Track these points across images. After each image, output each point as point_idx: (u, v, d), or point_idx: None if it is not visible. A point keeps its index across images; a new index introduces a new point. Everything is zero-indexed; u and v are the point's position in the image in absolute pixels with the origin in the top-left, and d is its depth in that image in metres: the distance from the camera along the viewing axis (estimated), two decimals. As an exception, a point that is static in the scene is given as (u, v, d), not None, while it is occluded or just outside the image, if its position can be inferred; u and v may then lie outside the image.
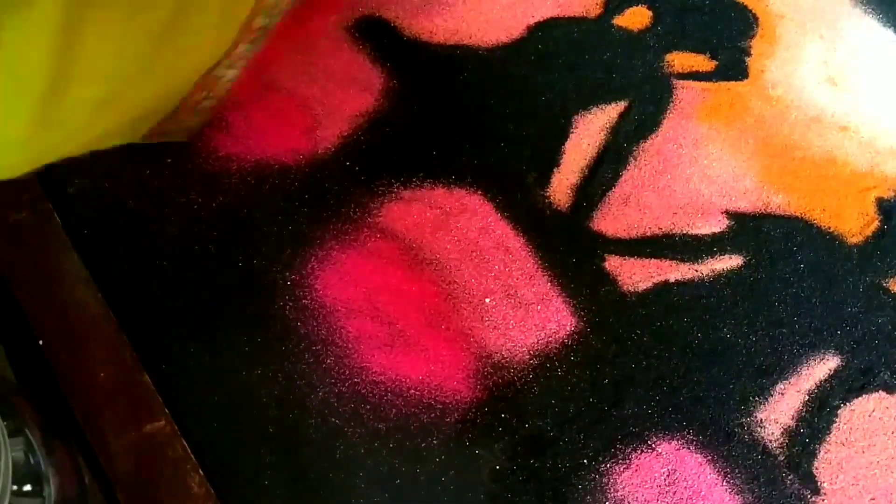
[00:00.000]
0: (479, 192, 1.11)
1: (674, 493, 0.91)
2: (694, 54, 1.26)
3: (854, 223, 1.12)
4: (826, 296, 1.05)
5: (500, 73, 1.22)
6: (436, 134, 1.16)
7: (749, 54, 1.26)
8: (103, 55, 0.65)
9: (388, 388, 0.95)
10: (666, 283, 1.05)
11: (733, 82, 1.24)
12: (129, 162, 1.10)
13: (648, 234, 1.09)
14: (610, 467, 0.92)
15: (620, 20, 1.29)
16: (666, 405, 0.96)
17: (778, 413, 0.96)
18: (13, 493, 0.70)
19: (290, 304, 1.00)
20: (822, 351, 1.01)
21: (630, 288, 1.04)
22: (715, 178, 1.14)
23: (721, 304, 1.03)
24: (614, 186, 1.12)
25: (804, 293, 1.05)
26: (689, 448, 0.94)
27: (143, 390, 0.92)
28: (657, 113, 1.19)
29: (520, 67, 1.23)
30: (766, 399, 0.97)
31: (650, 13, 1.30)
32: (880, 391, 0.99)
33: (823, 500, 0.92)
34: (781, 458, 0.94)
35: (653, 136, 1.17)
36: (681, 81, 1.23)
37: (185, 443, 0.89)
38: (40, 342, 0.93)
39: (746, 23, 1.30)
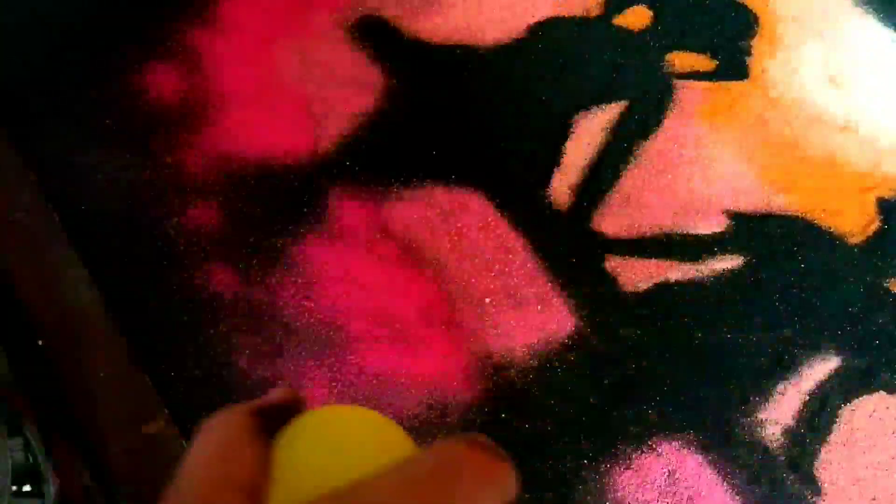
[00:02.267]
0: (479, 192, 1.11)
1: (674, 494, 0.90)
2: (694, 54, 1.26)
3: (855, 223, 1.11)
4: (827, 296, 1.05)
5: (500, 73, 1.22)
6: (436, 134, 1.16)
7: (750, 54, 1.26)
8: None
9: (389, 388, 0.95)
10: (666, 283, 1.05)
11: (734, 82, 1.23)
12: (130, 163, 1.10)
13: (649, 233, 1.09)
14: (610, 467, 0.92)
15: (621, 20, 1.28)
16: (666, 405, 0.96)
17: (778, 413, 0.96)
18: (13, 493, 0.70)
19: (291, 304, 1.00)
20: (823, 351, 1.01)
21: (630, 288, 1.04)
22: (715, 177, 1.14)
23: (721, 304, 1.03)
24: (614, 186, 1.12)
25: (805, 293, 1.05)
26: (689, 448, 0.93)
27: (143, 390, 0.92)
28: (657, 113, 1.19)
29: (520, 67, 1.23)
30: (767, 399, 0.97)
31: (650, 13, 1.29)
32: (881, 391, 0.98)
33: (824, 500, 0.91)
34: (782, 458, 0.93)
35: (653, 135, 1.17)
36: (681, 81, 1.23)
37: (184, 443, 0.89)
38: (40, 342, 0.93)
39: (747, 22, 1.29)
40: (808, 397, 0.97)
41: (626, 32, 1.27)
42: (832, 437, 0.95)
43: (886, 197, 1.14)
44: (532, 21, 1.27)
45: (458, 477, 0.23)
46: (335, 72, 1.21)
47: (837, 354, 1.00)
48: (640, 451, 0.93)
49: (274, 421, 0.27)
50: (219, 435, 0.25)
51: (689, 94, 1.21)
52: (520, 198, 1.11)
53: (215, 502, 0.23)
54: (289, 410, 0.28)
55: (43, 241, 1.02)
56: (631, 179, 1.13)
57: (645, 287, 1.04)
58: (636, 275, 1.05)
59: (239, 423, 0.26)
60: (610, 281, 1.04)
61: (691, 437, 0.94)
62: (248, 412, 0.26)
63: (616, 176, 1.13)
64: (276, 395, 0.29)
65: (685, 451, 0.93)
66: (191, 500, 0.23)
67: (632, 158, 1.15)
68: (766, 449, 0.94)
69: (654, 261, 1.06)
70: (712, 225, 1.10)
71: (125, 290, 0.99)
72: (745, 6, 1.31)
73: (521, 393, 0.95)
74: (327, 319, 0.99)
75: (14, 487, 0.70)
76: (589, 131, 1.17)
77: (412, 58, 1.23)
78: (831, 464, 0.94)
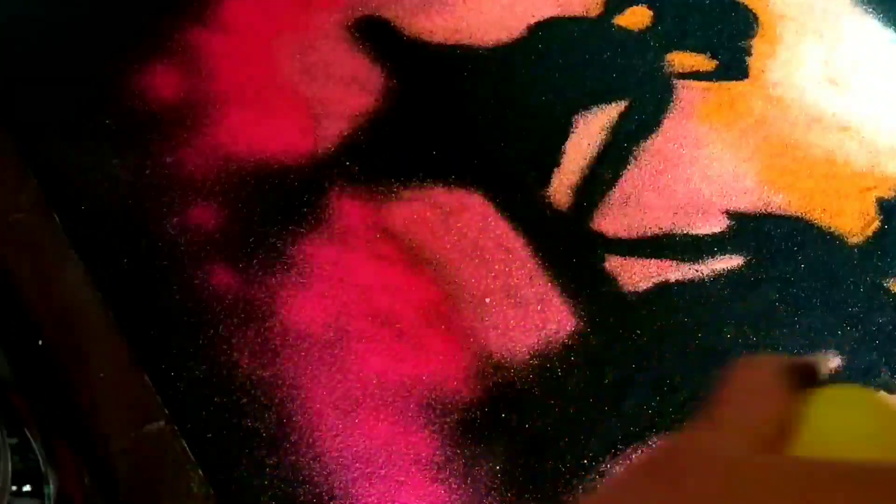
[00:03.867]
0: (479, 192, 1.11)
1: (674, 494, 0.90)
2: (694, 54, 1.26)
3: (855, 223, 1.11)
4: (826, 296, 1.05)
5: (500, 73, 1.22)
6: (436, 134, 1.16)
7: (750, 54, 1.26)
8: None
9: (389, 388, 0.95)
10: (666, 283, 1.04)
11: (734, 82, 1.23)
12: (130, 163, 1.10)
13: (649, 233, 1.09)
14: (610, 467, 0.92)
15: (621, 20, 1.28)
16: (666, 405, 0.96)
17: (778, 413, 0.96)
18: (13, 493, 0.70)
19: (291, 304, 1.00)
20: (823, 351, 1.01)
21: (630, 288, 1.04)
22: (715, 177, 1.14)
23: (721, 304, 1.03)
24: (614, 186, 1.12)
25: (804, 293, 1.05)
26: (689, 448, 0.93)
27: (143, 390, 0.92)
28: (658, 113, 1.19)
29: (520, 67, 1.23)
30: (767, 399, 0.97)
31: (651, 13, 1.29)
32: (881, 391, 0.98)
33: (824, 500, 0.91)
34: (782, 458, 0.93)
35: (653, 135, 1.17)
36: (681, 81, 1.23)
37: (184, 443, 0.89)
38: (40, 342, 0.93)
39: (747, 23, 1.29)
40: (808, 397, 0.97)
41: (626, 32, 1.27)
42: (832, 437, 0.95)
43: (886, 197, 1.14)
44: (532, 21, 1.27)
45: None
46: (335, 72, 1.21)
47: (837, 354, 1.00)
48: (639, 451, 0.93)
49: (801, 379, 0.29)
50: (759, 374, 0.29)
51: (689, 94, 1.21)
52: (520, 198, 1.11)
53: (754, 426, 0.26)
54: (812, 376, 0.30)
55: (43, 241, 1.02)
56: (631, 179, 1.13)
57: (645, 287, 1.04)
58: (636, 275, 1.05)
59: (777, 368, 0.29)
60: (610, 281, 1.04)
61: (691, 437, 0.94)
62: (784, 363, 0.29)
63: (616, 176, 1.13)
64: (808, 359, 0.31)
65: (685, 451, 0.93)
66: (732, 421, 0.27)
67: (632, 158, 1.15)
68: (766, 449, 0.94)
69: (654, 261, 1.06)
70: (712, 225, 1.10)
71: (125, 290, 0.99)
72: (745, 6, 1.31)
73: (521, 393, 0.95)
74: (327, 319, 0.99)
75: (14, 487, 0.70)
76: (589, 131, 1.17)
77: (412, 58, 1.23)
78: (831, 464, 0.93)
